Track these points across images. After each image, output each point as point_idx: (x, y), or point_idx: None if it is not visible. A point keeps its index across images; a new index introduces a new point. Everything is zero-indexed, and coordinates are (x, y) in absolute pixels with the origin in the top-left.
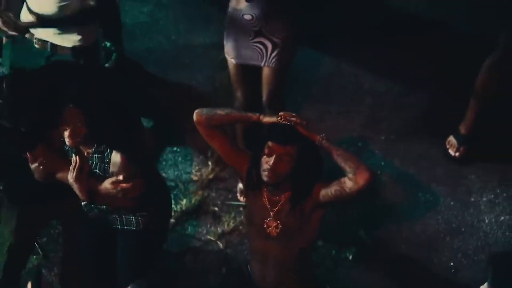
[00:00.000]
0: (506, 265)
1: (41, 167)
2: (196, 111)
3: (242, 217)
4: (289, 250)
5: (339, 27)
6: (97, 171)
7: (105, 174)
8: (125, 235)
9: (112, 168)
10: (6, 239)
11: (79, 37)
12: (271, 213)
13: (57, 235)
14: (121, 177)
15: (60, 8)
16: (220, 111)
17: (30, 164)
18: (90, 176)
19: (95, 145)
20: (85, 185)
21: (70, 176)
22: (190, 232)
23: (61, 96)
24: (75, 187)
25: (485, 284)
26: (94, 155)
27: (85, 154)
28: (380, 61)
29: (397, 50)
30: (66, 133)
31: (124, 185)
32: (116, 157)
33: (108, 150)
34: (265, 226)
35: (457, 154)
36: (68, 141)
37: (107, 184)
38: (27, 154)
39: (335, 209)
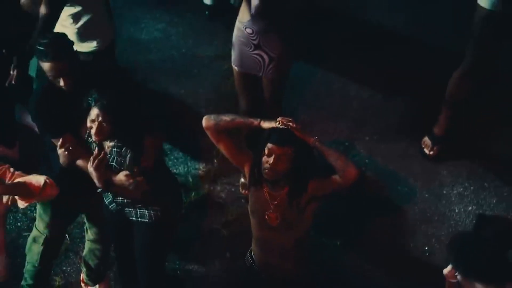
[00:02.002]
0: (463, 248)
1: (66, 152)
2: (204, 117)
3: (244, 208)
4: (287, 239)
5: (329, 43)
6: (114, 164)
7: (121, 167)
8: (140, 227)
9: (128, 164)
10: (42, 232)
11: (96, 41)
12: (272, 206)
13: (82, 223)
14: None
15: None
16: (225, 117)
17: (58, 149)
18: (107, 168)
19: (115, 141)
20: (102, 174)
21: (90, 165)
22: (198, 221)
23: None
24: (94, 175)
25: (449, 266)
26: (113, 149)
27: (106, 147)
28: (364, 71)
29: (379, 62)
30: (93, 130)
31: (136, 178)
32: (132, 153)
33: (125, 147)
34: (266, 217)
35: (431, 152)
36: (94, 138)
37: (121, 176)
38: (57, 139)
39: (325, 202)
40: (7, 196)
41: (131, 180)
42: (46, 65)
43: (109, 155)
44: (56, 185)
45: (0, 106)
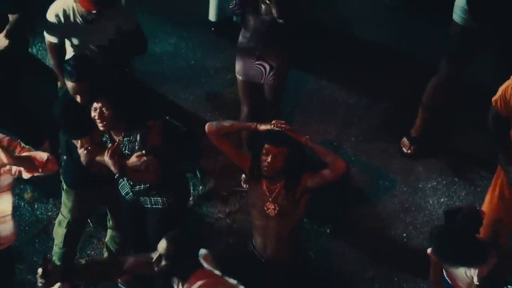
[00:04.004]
0: (440, 241)
1: (85, 151)
2: (207, 124)
3: (245, 200)
4: (284, 227)
5: (321, 54)
6: (127, 151)
7: (133, 153)
8: (154, 212)
9: (138, 146)
10: (65, 217)
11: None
12: (270, 198)
13: (104, 214)
14: (143, 152)
15: None
16: (226, 123)
17: (78, 149)
18: (122, 156)
19: (123, 133)
20: (117, 161)
21: (106, 155)
22: (205, 212)
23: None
24: (110, 163)
25: (429, 249)
26: (124, 139)
27: (117, 140)
28: (351, 80)
29: (364, 72)
30: (97, 118)
31: (146, 158)
32: (140, 133)
33: (134, 133)
34: (265, 208)
35: (409, 151)
36: (100, 126)
37: (133, 158)
38: (78, 141)
39: (316, 194)
40: (15, 168)
41: (142, 159)
42: (69, 84)
43: (122, 145)
44: (57, 163)
45: (21, 107)
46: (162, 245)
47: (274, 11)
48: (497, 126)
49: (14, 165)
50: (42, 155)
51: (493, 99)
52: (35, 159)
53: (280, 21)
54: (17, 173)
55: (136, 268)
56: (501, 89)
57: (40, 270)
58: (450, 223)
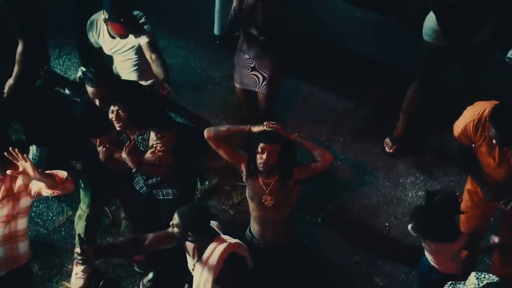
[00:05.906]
0: (420, 213)
1: (104, 149)
2: (205, 129)
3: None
4: (280, 215)
5: (314, 63)
6: (141, 148)
7: (147, 149)
8: (166, 203)
9: (150, 143)
10: (84, 212)
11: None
12: (266, 192)
13: (121, 205)
14: (157, 144)
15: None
16: (222, 128)
17: (97, 147)
18: (137, 152)
19: (137, 132)
20: (134, 157)
21: (123, 153)
22: (210, 204)
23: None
24: (127, 159)
25: (409, 225)
26: (138, 138)
27: (132, 139)
28: (340, 87)
29: (352, 79)
30: (114, 120)
31: (159, 149)
32: (152, 134)
33: (147, 132)
34: (263, 200)
35: (391, 150)
36: (117, 126)
37: (148, 154)
38: (97, 140)
39: (310, 188)
40: (34, 190)
41: (156, 155)
42: (89, 89)
43: (136, 143)
44: (74, 183)
45: (27, 109)
46: (174, 216)
47: (254, 30)
48: (465, 156)
49: (39, 180)
50: (63, 173)
51: (455, 135)
52: (56, 176)
53: (261, 38)
54: (36, 195)
55: (157, 243)
56: (460, 127)
57: (78, 249)
58: (429, 202)
